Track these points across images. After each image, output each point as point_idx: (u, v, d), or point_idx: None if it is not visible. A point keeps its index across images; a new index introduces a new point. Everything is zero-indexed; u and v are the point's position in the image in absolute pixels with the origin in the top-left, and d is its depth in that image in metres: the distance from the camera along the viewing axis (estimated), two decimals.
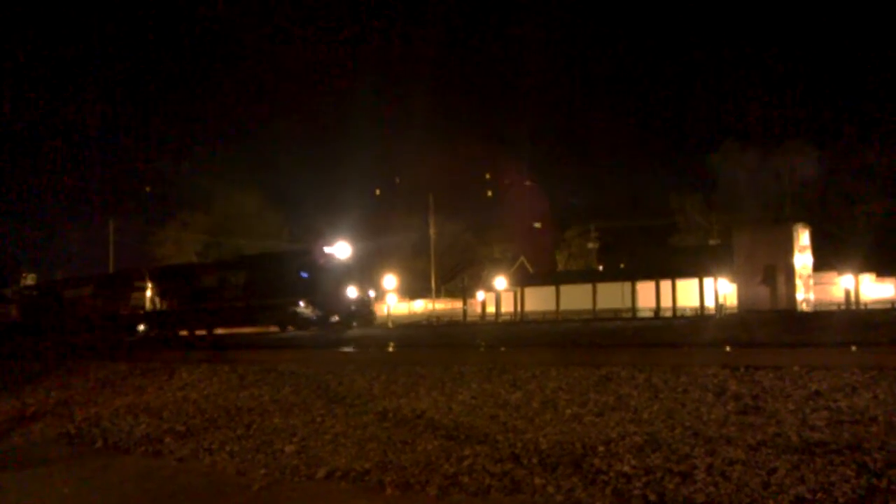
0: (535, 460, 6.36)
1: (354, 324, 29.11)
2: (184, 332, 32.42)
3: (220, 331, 31.80)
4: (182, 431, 9.31)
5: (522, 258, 79.71)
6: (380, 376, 10.45)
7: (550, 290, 46.90)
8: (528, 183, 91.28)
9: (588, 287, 45.60)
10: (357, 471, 6.77)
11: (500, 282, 51.22)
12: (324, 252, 31.64)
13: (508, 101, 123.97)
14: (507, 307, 47.98)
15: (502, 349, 13.11)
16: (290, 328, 29.02)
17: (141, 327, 35.23)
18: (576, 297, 45.23)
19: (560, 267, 75.26)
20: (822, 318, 22.55)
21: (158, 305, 35.17)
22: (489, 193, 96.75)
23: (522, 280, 54.58)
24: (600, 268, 63.62)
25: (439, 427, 7.77)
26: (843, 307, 36.62)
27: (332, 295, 29.52)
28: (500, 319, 45.42)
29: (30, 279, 49.77)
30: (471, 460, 6.57)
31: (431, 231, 67.22)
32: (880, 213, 55.61)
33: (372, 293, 33.70)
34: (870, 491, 4.99)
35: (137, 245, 66.91)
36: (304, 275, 30.39)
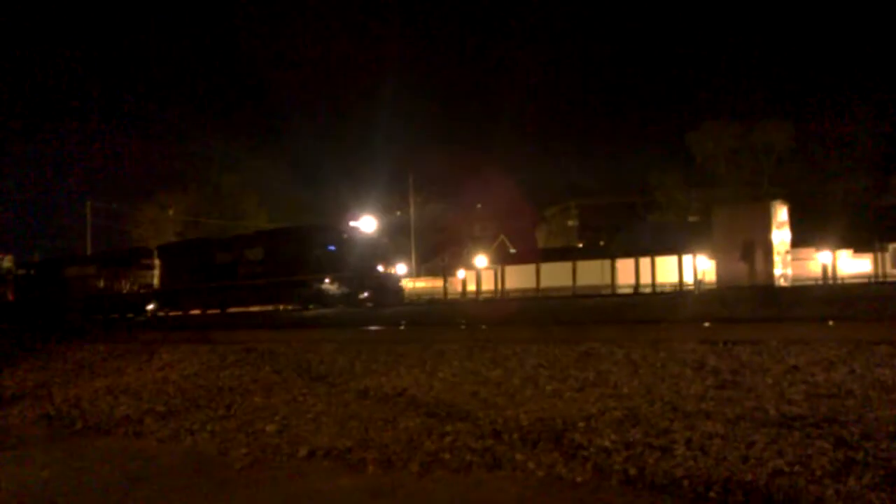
0: (515, 436, 6.39)
1: (384, 301, 27.49)
2: (195, 311, 31.53)
3: (235, 309, 30.79)
4: (162, 412, 9.29)
5: (502, 236, 79.80)
6: (360, 354, 10.46)
7: (531, 267, 47.09)
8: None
9: (568, 264, 45.80)
10: (338, 449, 6.78)
11: (481, 260, 51.36)
12: (349, 226, 30.35)
13: (487, 82, 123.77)
14: (488, 285, 48.15)
15: (483, 327, 13.13)
16: (314, 306, 27.73)
17: (150, 306, 34.13)
18: (556, 275, 45.42)
19: (540, 244, 75.34)
20: (799, 294, 22.72)
21: (169, 283, 33.81)
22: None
23: (503, 258, 54.73)
24: (580, 245, 63.89)
25: (420, 405, 7.79)
26: (820, 282, 36.98)
27: (359, 271, 28.35)
28: (481, 297, 45.56)
29: (7, 260, 48.57)
30: (452, 437, 6.59)
31: (411, 210, 67.11)
32: (857, 189, 56.05)
33: (403, 269, 32.32)
34: (846, 463, 5.04)
35: (115, 225, 66.42)
36: (329, 250, 29.14)
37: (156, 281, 34.40)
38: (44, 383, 12.37)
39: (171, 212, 67.63)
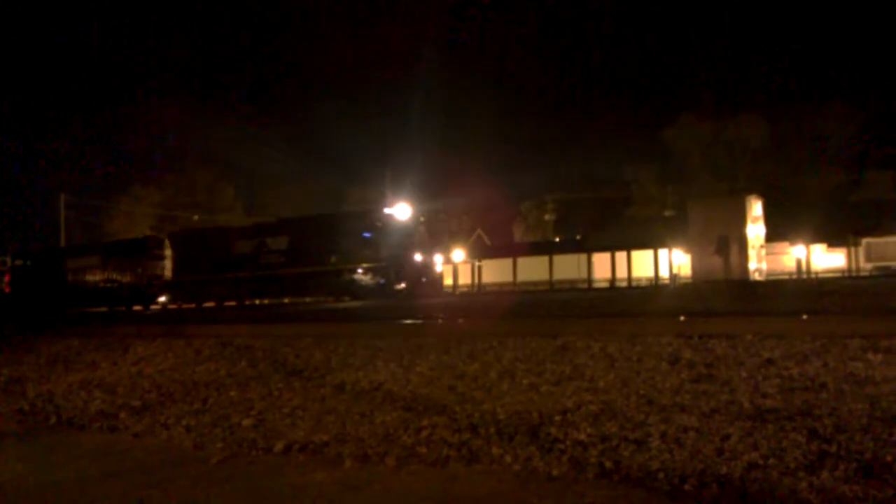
0: (492, 430, 6.39)
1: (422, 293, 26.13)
2: (210, 304, 30.08)
3: (255, 302, 29.26)
4: (137, 407, 9.23)
5: (479, 230, 79.82)
6: (337, 349, 10.43)
7: (507, 261, 47.32)
8: None
9: (545, 259, 46.08)
10: (315, 443, 6.77)
11: (458, 254, 51.36)
12: (384, 213, 28.32)
13: (463, 78, 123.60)
14: (465, 279, 48.25)
15: (460, 321, 13.15)
16: (346, 298, 26.05)
17: (162, 298, 32.58)
18: (533, 269, 45.67)
19: (517, 239, 75.48)
20: (774, 288, 22.91)
21: (182, 275, 31.87)
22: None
23: (480, 252, 54.80)
24: (557, 239, 64.08)
25: (397, 399, 7.78)
26: (794, 276, 37.34)
27: (396, 260, 26.61)
28: (458, 291, 45.61)
29: None
30: (429, 431, 6.59)
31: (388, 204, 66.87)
32: (831, 184, 56.56)
33: (440, 258, 29.96)
34: (820, 456, 5.09)
35: (88, 219, 65.84)
36: (364, 238, 27.31)
37: (167, 272, 32.57)
38: (17, 378, 12.26)
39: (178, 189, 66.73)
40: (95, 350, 13.30)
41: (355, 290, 26.29)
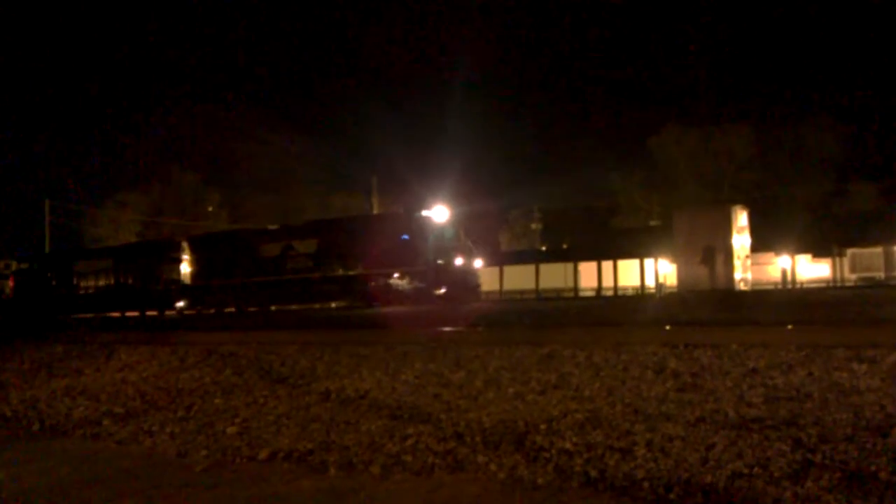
0: (478, 439, 6.39)
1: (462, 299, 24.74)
2: (230, 309, 29.22)
3: (279, 307, 28.39)
4: (121, 414, 9.19)
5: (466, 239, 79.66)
6: (323, 357, 10.41)
7: (494, 270, 47.17)
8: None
9: (531, 267, 46.05)
10: (300, 451, 6.74)
11: None
12: (421, 215, 27.31)
13: (448, 86, 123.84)
14: None
15: (445, 328, 13.15)
16: (378, 304, 25.07)
17: (179, 304, 31.57)
18: (519, 277, 45.65)
19: (503, 247, 75.49)
20: (759, 298, 22.98)
21: (202, 279, 30.82)
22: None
23: None
24: (543, 248, 64.15)
25: (383, 407, 7.77)
26: (779, 287, 37.48)
27: (434, 264, 25.40)
28: None
29: None
30: (414, 439, 6.58)
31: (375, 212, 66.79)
32: (816, 194, 56.86)
33: (479, 263, 28.55)
34: (804, 465, 5.10)
35: (73, 225, 65.51)
36: (402, 240, 26.00)
37: (185, 276, 31.65)
38: (0, 383, 12.19)
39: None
40: (79, 357, 13.24)
41: (391, 295, 25.23)
